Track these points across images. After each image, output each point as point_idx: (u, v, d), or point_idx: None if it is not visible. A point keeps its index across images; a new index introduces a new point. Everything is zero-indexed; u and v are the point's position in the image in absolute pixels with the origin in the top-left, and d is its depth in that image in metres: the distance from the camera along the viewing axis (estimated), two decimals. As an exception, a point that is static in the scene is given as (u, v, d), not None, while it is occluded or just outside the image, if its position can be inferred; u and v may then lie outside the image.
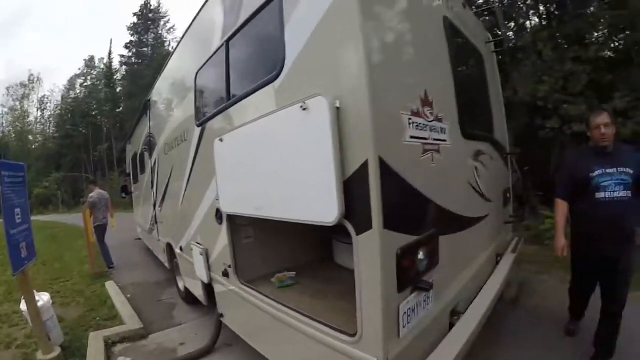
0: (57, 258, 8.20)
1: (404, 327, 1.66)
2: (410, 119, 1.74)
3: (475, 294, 2.45)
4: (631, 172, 2.41)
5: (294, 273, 2.78)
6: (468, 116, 2.47)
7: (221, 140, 2.56)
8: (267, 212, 2.18)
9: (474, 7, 5.38)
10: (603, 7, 7.68)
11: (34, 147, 45.67)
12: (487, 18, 7.93)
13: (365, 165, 1.51)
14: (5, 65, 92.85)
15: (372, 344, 1.59)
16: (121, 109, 38.20)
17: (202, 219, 3.29)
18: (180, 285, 4.66)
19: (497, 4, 8.75)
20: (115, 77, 41.35)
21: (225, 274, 2.81)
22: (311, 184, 1.74)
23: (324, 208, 1.66)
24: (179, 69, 4.01)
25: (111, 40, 68.92)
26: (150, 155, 5.64)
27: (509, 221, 3.69)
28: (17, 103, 47.85)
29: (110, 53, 44.41)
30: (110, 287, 5.42)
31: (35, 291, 3.24)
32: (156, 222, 5.77)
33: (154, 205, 5.63)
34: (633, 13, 6.70)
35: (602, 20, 7.60)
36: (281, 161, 1.96)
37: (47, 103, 48.86)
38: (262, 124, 2.09)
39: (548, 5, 8.88)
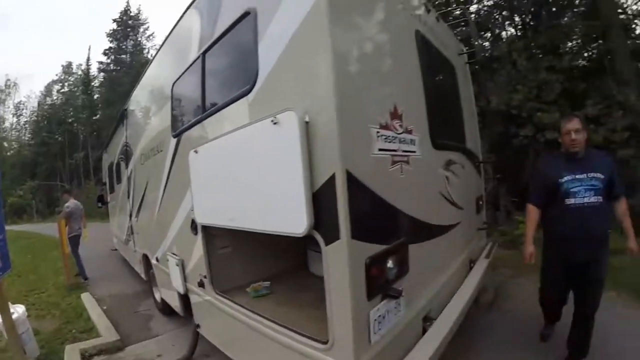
0: (32, 269, 7.96)
1: (374, 333, 1.69)
2: (378, 132, 1.79)
3: (448, 299, 2.50)
4: (602, 177, 2.39)
5: (269, 282, 2.79)
6: (439, 127, 2.54)
7: (196, 151, 2.57)
8: (240, 223, 2.20)
9: (450, 18, 5.52)
10: (577, 18, 7.99)
11: (8, 154, 43.92)
12: (464, 28, 8.17)
13: (332, 178, 1.55)
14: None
15: (343, 351, 1.62)
16: (98, 116, 37.30)
17: (178, 230, 3.26)
18: (157, 296, 4.59)
19: (472, 16, 8.99)
20: (93, 83, 40.32)
21: (201, 285, 2.80)
22: (281, 195, 1.77)
23: (293, 219, 1.69)
24: (157, 78, 3.98)
25: (89, 47, 67.91)
26: (127, 165, 5.55)
27: (482, 227, 3.79)
28: (-7, 108, 46.21)
29: (88, 59, 43.27)
30: (86, 298, 5.29)
31: (10, 303, 3.15)
32: (132, 233, 5.66)
33: (130, 216, 5.53)
34: (605, 23, 6.97)
35: (575, 30, 7.89)
36: (253, 173, 1.99)
37: (23, 109, 47.57)
38: (235, 137, 2.12)
39: (523, 16, 9.14)
